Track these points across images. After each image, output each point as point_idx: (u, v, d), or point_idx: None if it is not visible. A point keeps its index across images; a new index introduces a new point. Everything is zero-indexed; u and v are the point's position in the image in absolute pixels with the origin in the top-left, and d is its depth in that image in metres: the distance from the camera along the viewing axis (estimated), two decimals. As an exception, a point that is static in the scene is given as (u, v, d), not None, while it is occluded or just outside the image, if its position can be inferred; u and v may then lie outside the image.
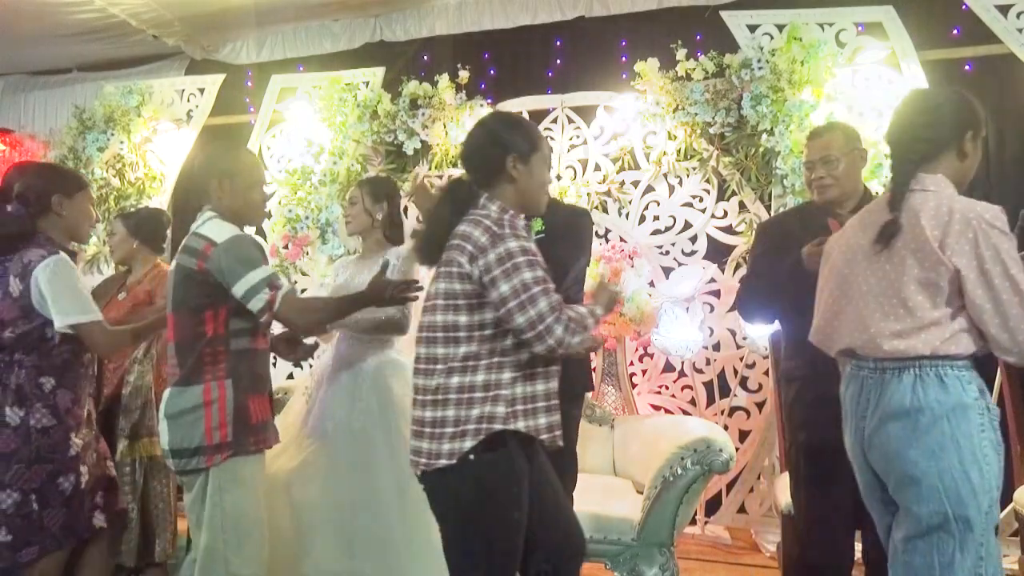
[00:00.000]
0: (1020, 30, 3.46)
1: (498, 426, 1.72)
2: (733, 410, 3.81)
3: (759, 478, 3.69)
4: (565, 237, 2.32)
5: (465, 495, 1.74)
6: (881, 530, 1.86)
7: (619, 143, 4.02)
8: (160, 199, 4.64)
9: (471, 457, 1.71)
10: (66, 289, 2.13)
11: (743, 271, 3.43)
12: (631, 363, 3.98)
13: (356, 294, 2.21)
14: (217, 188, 2.13)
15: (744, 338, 3.71)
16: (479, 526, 1.75)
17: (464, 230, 1.76)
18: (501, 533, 1.77)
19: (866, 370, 1.78)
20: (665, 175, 3.95)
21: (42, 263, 2.12)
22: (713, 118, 3.73)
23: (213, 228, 2.05)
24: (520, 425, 1.74)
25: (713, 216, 3.89)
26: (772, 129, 3.56)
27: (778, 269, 2.33)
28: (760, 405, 3.76)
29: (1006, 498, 3.12)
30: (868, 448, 1.78)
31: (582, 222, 2.47)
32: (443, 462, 1.73)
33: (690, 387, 3.87)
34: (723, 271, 3.86)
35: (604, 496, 2.86)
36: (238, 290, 1.99)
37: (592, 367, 2.53)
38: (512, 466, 1.76)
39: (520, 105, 4.19)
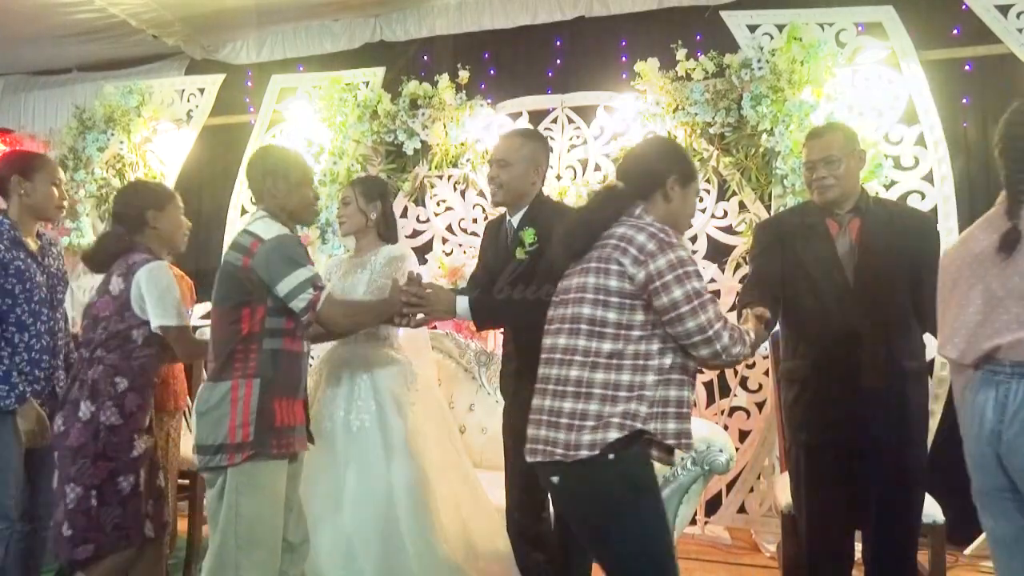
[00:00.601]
0: (1020, 30, 3.45)
1: (639, 424, 1.75)
2: (733, 410, 3.81)
3: (759, 478, 3.68)
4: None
5: (613, 489, 1.77)
6: (1003, 532, 1.85)
7: (619, 143, 4.01)
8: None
9: (611, 456, 1.73)
10: (166, 292, 2.22)
11: (743, 271, 3.44)
12: (631, 363, 3.97)
13: (386, 299, 2.30)
14: (271, 187, 2.16)
15: (744, 338, 3.71)
16: (633, 521, 1.77)
17: (625, 233, 1.82)
18: (657, 525, 1.80)
19: (1002, 375, 1.78)
20: (665, 175, 3.94)
21: (146, 265, 2.22)
22: (713, 118, 3.72)
23: (262, 226, 2.08)
24: (651, 427, 1.76)
25: (713, 216, 3.89)
26: (772, 129, 3.56)
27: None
28: (760, 405, 3.76)
29: None
30: (1006, 451, 1.78)
31: None
32: (584, 453, 1.74)
33: (690, 387, 3.86)
34: (723, 271, 3.85)
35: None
36: (282, 288, 2.01)
37: None
38: (651, 464, 1.82)
39: (520, 105, 4.20)
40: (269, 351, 2.05)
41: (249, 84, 4.83)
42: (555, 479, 1.81)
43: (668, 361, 1.79)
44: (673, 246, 1.78)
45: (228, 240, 4.52)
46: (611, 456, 1.73)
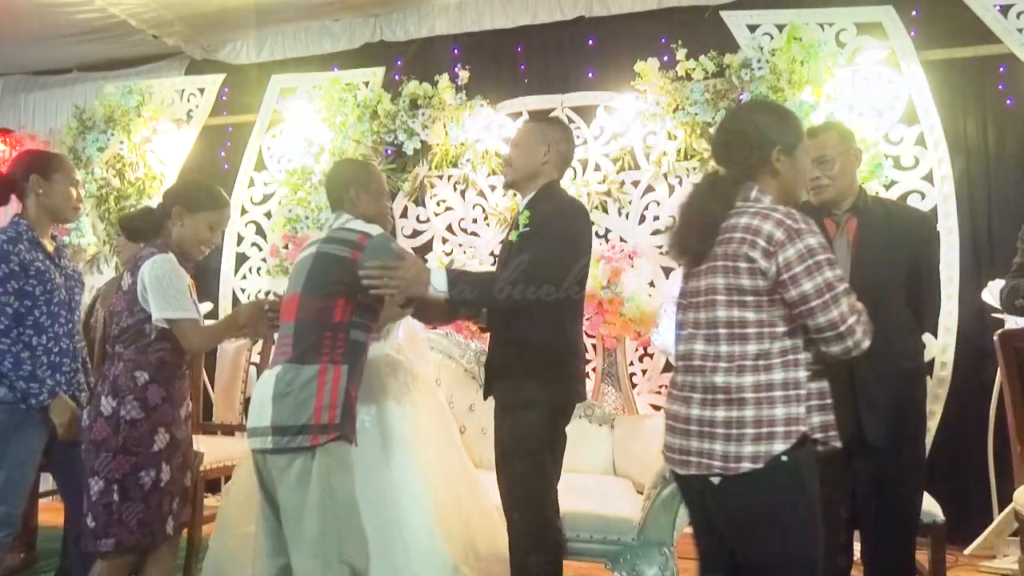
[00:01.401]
0: (1020, 30, 3.46)
1: (804, 428, 1.67)
2: (733, 410, 3.80)
3: (759, 478, 3.68)
4: (552, 236, 2.18)
5: (780, 495, 1.67)
6: None
7: (619, 143, 4.02)
8: (160, 199, 4.64)
9: (784, 459, 1.64)
10: (168, 285, 2.20)
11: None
12: (631, 363, 3.97)
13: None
14: (353, 196, 2.23)
15: (744, 338, 3.71)
16: (798, 524, 1.69)
17: (750, 223, 1.69)
18: (814, 534, 1.71)
19: None
20: (665, 175, 3.95)
21: (151, 259, 2.22)
22: (713, 118, 3.72)
23: (361, 225, 2.16)
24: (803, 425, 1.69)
25: (713, 216, 3.88)
26: (772, 129, 3.56)
27: None
28: (760, 405, 3.76)
29: (1006, 498, 3.13)
30: None
31: (568, 217, 2.26)
32: (747, 466, 1.64)
33: (690, 387, 3.86)
34: (723, 271, 3.85)
35: (604, 496, 2.86)
36: None
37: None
38: (815, 465, 1.72)
39: (520, 105, 4.20)
40: (355, 342, 2.10)
41: (249, 84, 4.83)
42: (715, 480, 1.70)
43: (812, 353, 1.71)
44: (802, 233, 1.65)
45: (228, 240, 4.54)
46: (784, 458, 1.64)
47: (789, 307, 1.67)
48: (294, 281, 2.17)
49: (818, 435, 1.71)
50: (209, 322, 2.50)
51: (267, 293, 4.42)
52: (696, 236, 1.76)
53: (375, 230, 2.14)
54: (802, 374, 1.68)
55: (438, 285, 2.08)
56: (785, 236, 1.64)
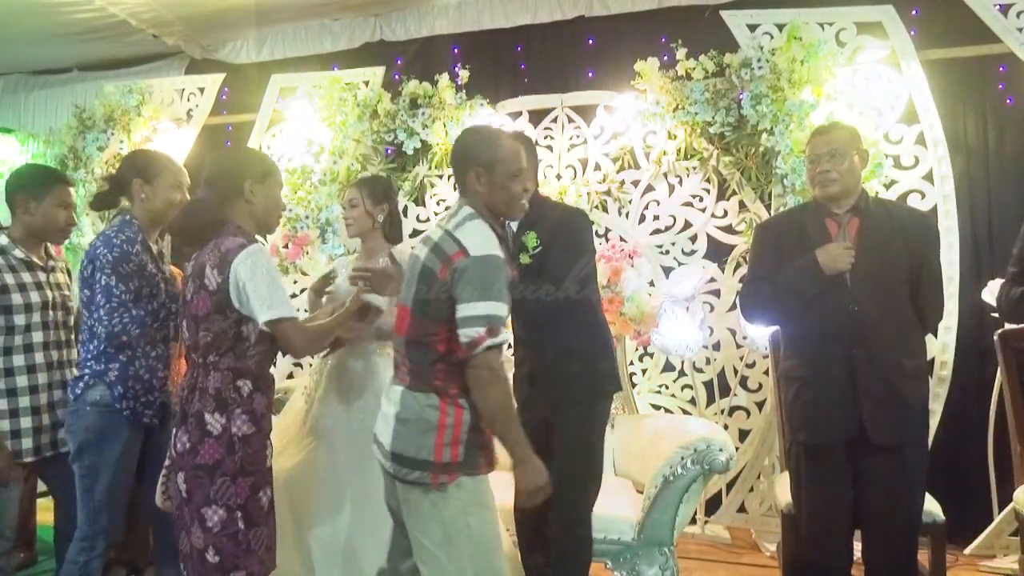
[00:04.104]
0: (1020, 30, 3.45)
1: None
2: (733, 410, 3.81)
3: (759, 478, 3.68)
4: (563, 246, 2.28)
5: None
6: None
7: (619, 142, 4.01)
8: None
9: None
10: (269, 281, 1.96)
11: (743, 271, 3.44)
12: (631, 362, 3.97)
13: None
14: (473, 180, 1.94)
15: (744, 338, 3.71)
16: None
17: None
18: None
19: None
20: (665, 174, 3.95)
21: (242, 253, 1.94)
22: (713, 118, 3.72)
23: (473, 230, 1.87)
24: None
25: (713, 216, 3.89)
26: (772, 129, 3.56)
27: (790, 272, 2.32)
28: (760, 405, 3.76)
29: (1006, 498, 3.13)
30: None
31: (576, 224, 2.38)
32: None
33: (690, 387, 3.86)
34: (723, 271, 3.85)
35: (604, 496, 2.85)
36: (459, 311, 1.81)
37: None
38: None
39: (520, 105, 4.20)
40: None
41: (249, 84, 4.83)
42: None
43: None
44: None
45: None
46: None
47: None
48: (406, 288, 1.96)
49: None
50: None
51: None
52: None
53: (478, 246, 1.82)
54: None
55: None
56: None
